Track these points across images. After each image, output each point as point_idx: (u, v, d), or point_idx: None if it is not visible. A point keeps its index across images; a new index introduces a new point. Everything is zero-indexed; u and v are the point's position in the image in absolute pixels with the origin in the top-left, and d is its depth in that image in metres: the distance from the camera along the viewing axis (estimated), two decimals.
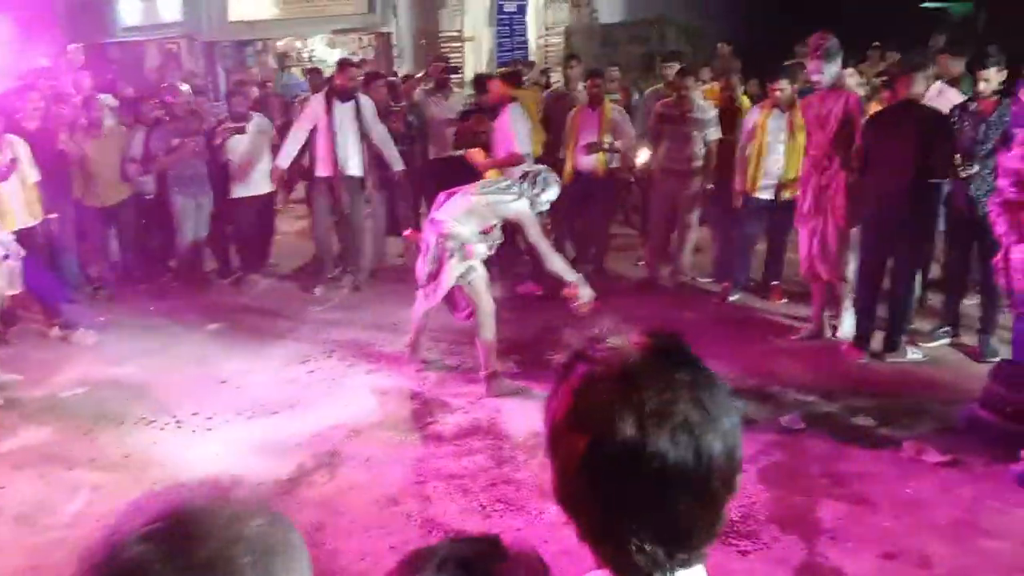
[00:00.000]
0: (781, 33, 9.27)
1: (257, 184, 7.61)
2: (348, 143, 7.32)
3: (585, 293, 5.32)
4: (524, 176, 5.46)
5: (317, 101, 7.45)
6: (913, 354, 5.66)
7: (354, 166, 7.37)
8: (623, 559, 0.99)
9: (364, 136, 7.35)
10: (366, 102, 7.42)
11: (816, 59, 5.57)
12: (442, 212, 5.36)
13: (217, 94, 11.18)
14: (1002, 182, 4.67)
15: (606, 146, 7.43)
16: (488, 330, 5.33)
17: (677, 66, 7.80)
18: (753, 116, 6.70)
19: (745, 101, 7.35)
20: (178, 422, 5.13)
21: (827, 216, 5.78)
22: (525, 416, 4.95)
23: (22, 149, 6.17)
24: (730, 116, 7.13)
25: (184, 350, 6.27)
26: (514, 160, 6.71)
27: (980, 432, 4.33)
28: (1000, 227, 4.68)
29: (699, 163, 7.14)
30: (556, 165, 6.82)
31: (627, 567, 0.99)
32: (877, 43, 10.06)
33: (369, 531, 3.93)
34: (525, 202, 5.34)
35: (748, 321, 6.54)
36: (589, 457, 0.98)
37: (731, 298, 6.97)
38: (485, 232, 5.37)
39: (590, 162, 7.46)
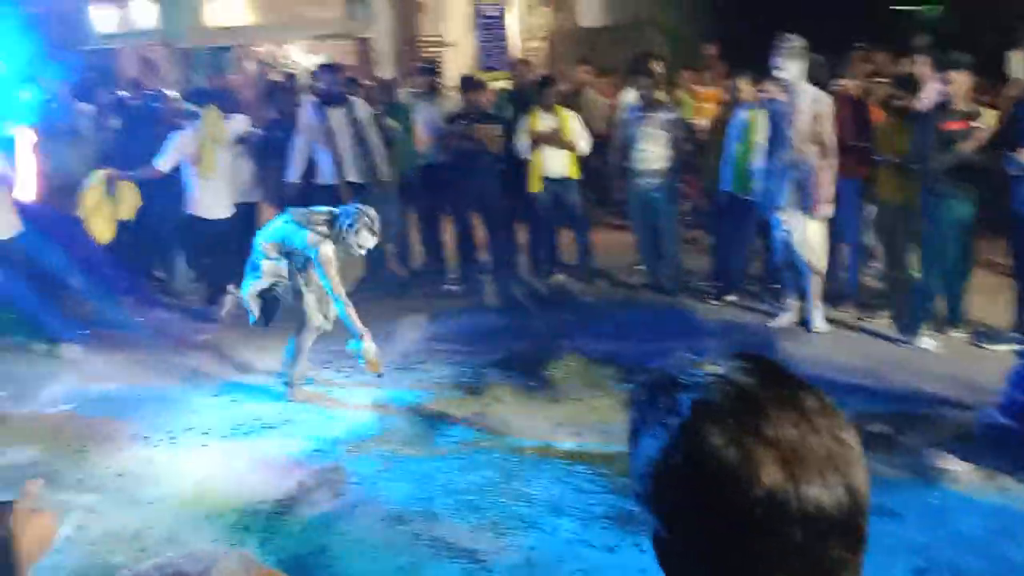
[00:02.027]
0: (767, 32, 9.16)
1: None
2: (347, 148, 7.08)
3: (370, 347, 5.07)
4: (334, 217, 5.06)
5: (309, 108, 7.15)
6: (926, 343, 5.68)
7: (354, 173, 7.12)
8: None
9: (362, 141, 7.09)
10: (360, 104, 7.23)
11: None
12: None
13: None
14: None
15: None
16: None
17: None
18: (742, 114, 6.55)
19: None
20: (172, 438, 4.95)
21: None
22: (533, 427, 4.84)
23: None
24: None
25: (177, 362, 6.08)
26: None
27: (1000, 439, 4.23)
28: None
29: (669, 164, 7.03)
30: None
31: None
32: (860, 44, 9.94)
33: (375, 551, 3.77)
34: (329, 244, 4.98)
35: (746, 320, 6.47)
36: (724, 509, 0.81)
37: (728, 297, 6.88)
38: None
39: (561, 166, 7.33)
